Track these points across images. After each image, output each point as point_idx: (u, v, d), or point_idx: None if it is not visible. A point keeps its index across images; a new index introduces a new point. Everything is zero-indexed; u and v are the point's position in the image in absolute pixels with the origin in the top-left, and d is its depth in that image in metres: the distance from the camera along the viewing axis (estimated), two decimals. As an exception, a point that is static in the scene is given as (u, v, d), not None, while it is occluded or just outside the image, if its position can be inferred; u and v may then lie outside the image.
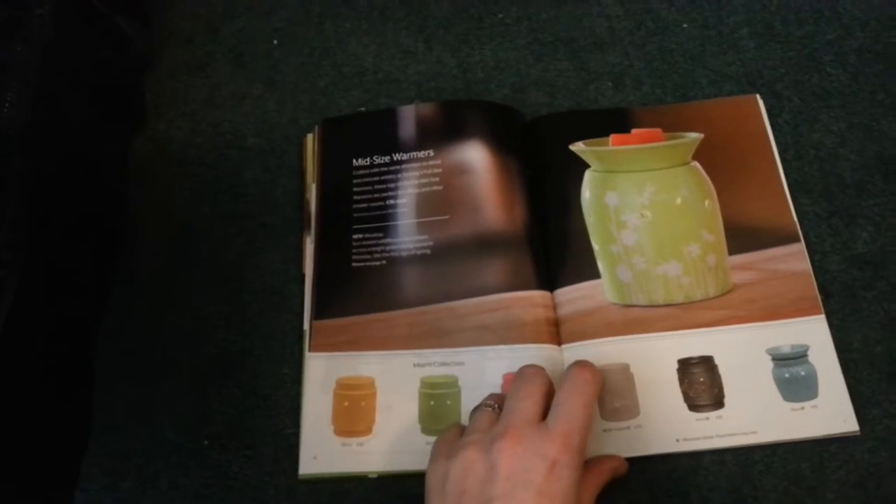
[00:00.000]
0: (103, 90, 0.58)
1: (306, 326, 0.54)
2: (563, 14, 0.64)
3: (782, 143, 0.57)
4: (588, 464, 0.45)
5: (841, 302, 0.52)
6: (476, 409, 0.47)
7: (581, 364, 0.46)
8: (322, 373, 0.52)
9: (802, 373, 0.49)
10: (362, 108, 0.61)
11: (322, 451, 0.50)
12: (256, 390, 0.53)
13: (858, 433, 0.48)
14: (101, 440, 0.52)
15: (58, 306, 0.50)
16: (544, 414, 0.43)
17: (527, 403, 0.43)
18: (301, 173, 0.59)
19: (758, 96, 0.58)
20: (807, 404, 0.48)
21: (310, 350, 0.53)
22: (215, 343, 0.54)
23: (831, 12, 0.61)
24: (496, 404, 0.46)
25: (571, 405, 0.43)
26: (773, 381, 0.49)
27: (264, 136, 0.61)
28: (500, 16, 0.64)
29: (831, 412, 0.48)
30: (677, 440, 0.48)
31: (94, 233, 0.56)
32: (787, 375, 0.49)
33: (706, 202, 0.53)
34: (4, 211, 0.44)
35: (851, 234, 0.54)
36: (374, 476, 0.49)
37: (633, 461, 0.48)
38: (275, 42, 0.65)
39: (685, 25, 0.62)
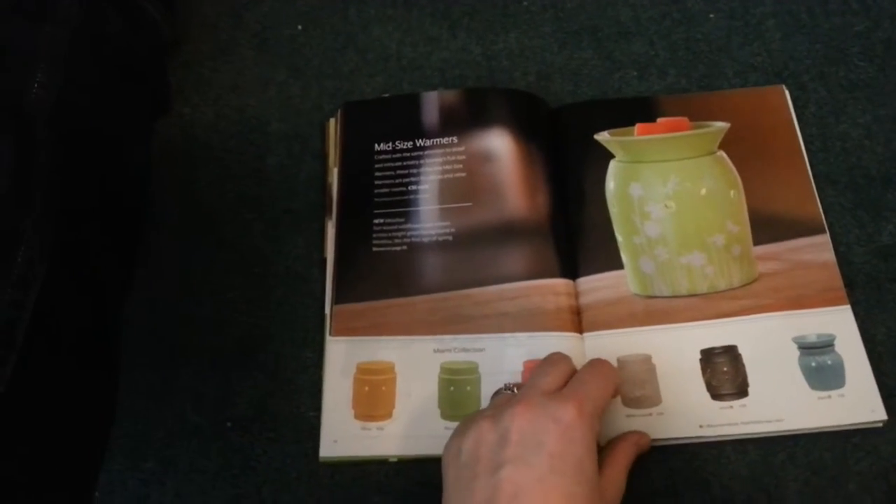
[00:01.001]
0: (129, 74, 0.59)
1: (327, 311, 0.54)
2: (588, 2, 0.64)
3: (808, 135, 0.56)
4: (610, 443, 0.46)
5: (866, 293, 0.51)
6: (496, 392, 0.47)
7: (602, 359, 0.47)
8: (342, 357, 0.52)
9: (829, 362, 0.49)
10: (386, 94, 0.62)
11: (342, 435, 0.50)
12: (279, 373, 0.53)
13: (885, 422, 0.47)
14: (124, 422, 0.52)
15: (83, 289, 0.50)
16: None
17: (545, 379, 0.44)
18: (324, 157, 0.59)
19: (784, 87, 0.58)
20: (834, 393, 0.48)
21: (330, 334, 0.53)
22: (238, 326, 0.55)
23: (859, 4, 0.61)
24: (515, 388, 0.46)
25: (588, 379, 0.44)
26: (800, 369, 0.49)
27: (288, 121, 0.61)
28: (525, 3, 0.64)
29: (859, 401, 0.48)
30: (700, 426, 0.48)
31: (119, 216, 0.56)
32: (813, 364, 0.49)
33: (731, 192, 0.53)
34: (34, 194, 0.44)
35: (877, 226, 0.53)
36: (395, 460, 0.50)
37: (653, 449, 0.48)
38: (299, 27, 0.65)
39: (711, 16, 0.62)
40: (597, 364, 0.46)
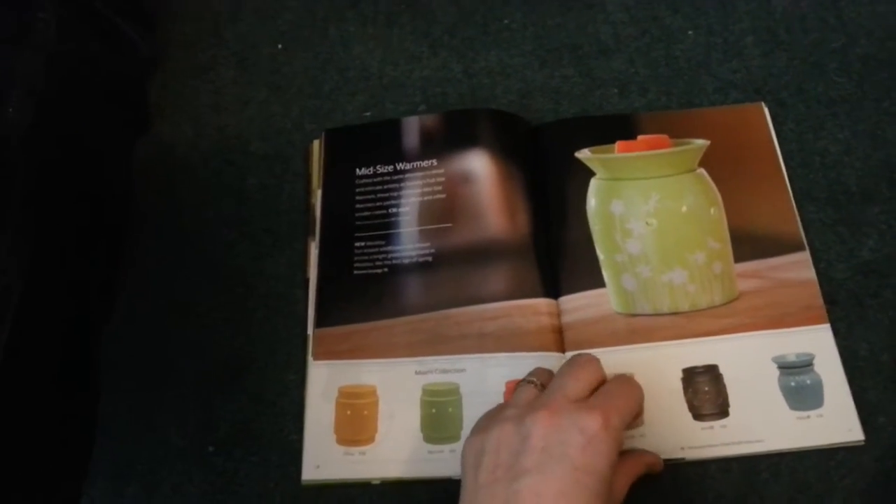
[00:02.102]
0: (107, 94, 0.58)
1: (310, 332, 0.54)
2: (568, 20, 0.64)
3: (787, 151, 0.57)
4: (624, 454, 0.44)
5: (847, 310, 0.51)
6: (520, 382, 0.46)
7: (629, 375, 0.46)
8: (324, 381, 0.52)
9: (808, 381, 0.49)
10: (367, 113, 0.61)
11: (325, 461, 0.50)
12: (262, 396, 0.53)
13: (863, 443, 0.47)
14: (106, 446, 0.52)
15: (63, 311, 0.50)
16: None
17: (572, 382, 0.43)
18: (307, 179, 0.59)
19: (763, 105, 0.58)
20: (812, 413, 0.48)
21: (312, 358, 0.53)
22: (220, 348, 0.54)
23: (836, 20, 0.61)
24: (540, 381, 0.45)
25: (616, 391, 0.43)
26: (779, 389, 0.49)
27: (269, 140, 0.61)
28: (506, 21, 0.64)
29: (837, 421, 0.48)
30: (682, 448, 0.48)
31: (99, 237, 0.56)
32: (792, 384, 0.49)
33: (712, 209, 0.53)
34: (8, 217, 0.44)
35: (857, 242, 0.54)
36: (378, 482, 0.49)
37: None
38: (279, 46, 0.65)
39: (690, 33, 0.62)
40: (625, 378, 0.45)
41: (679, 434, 0.48)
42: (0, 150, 0.45)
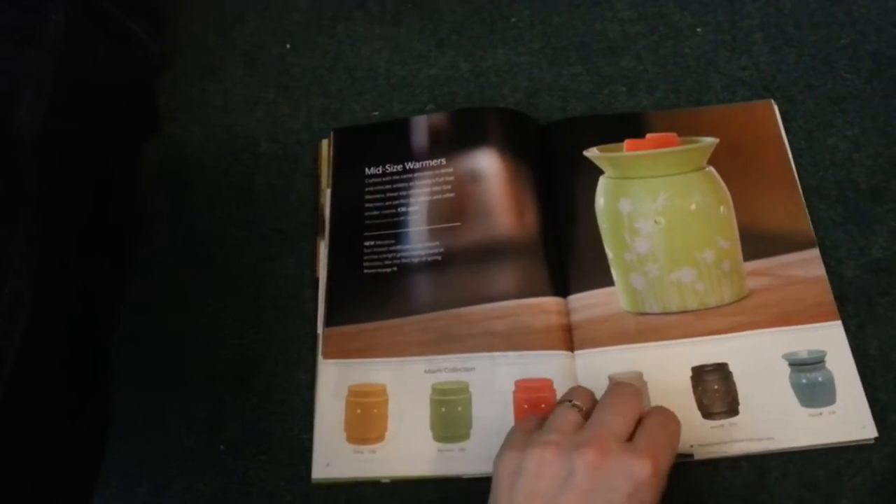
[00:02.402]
0: (116, 95, 0.59)
1: (319, 331, 0.54)
2: (576, 18, 0.64)
3: (797, 149, 0.56)
4: None
5: (857, 308, 0.51)
6: (559, 403, 0.45)
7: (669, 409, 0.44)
8: (334, 380, 0.52)
9: (820, 378, 0.49)
10: (375, 113, 0.62)
11: (335, 459, 0.50)
12: (272, 395, 0.53)
13: (876, 439, 0.47)
14: (117, 445, 0.52)
15: (73, 312, 0.50)
16: (631, 437, 0.42)
17: (619, 419, 0.42)
18: (315, 178, 0.59)
19: (773, 102, 0.58)
20: (825, 410, 0.48)
21: (322, 357, 0.53)
22: (230, 348, 0.54)
23: (846, 17, 0.61)
24: (583, 406, 0.44)
25: (660, 430, 0.42)
26: (791, 386, 0.49)
27: (277, 140, 0.61)
28: (513, 20, 0.64)
29: (850, 418, 0.48)
30: (691, 446, 0.48)
31: (108, 238, 0.56)
32: (804, 381, 0.49)
33: (721, 208, 0.53)
34: (20, 220, 0.44)
35: (867, 240, 0.54)
36: (388, 481, 0.50)
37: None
38: (287, 46, 0.65)
39: (699, 30, 0.62)
40: (667, 414, 0.43)
41: (689, 432, 0.48)
42: (12, 152, 0.45)
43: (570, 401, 0.44)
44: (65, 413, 0.46)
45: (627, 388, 0.45)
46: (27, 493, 0.43)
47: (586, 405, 0.44)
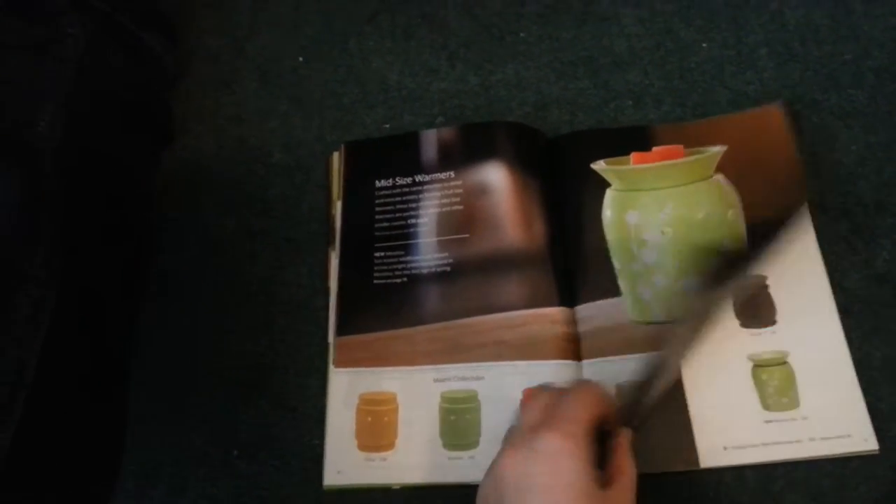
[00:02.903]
0: (133, 107, 0.60)
1: (331, 340, 0.55)
2: (583, 33, 0.65)
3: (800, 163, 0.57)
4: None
5: (860, 320, 0.52)
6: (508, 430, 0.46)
7: (584, 380, 0.46)
8: (345, 388, 0.53)
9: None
10: (386, 125, 0.63)
11: (346, 466, 0.51)
12: (284, 402, 0.54)
13: (878, 452, 0.48)
14: (133, 450, 0.53)
15: (91, 322, 0.51)
16: None
17: (528, 415, 0.43)
18: (327, 189, 0.60)
19: (780, 104, 0.58)
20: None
21: (333, 366, 0.54)
22: (243, 355, 0.55)
23: (850, 32, 0.62)
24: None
25: (567, 401, 0.42)
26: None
27: (290, 152, 0.62)
28: (522, 35, 0.65)
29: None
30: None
31: (124, 247, 0.57)
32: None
33: (729, 212, 0.54)
34: (42, 230, 0.45)
35: (871, 253, 0.54)
36: (398, 487, 0.50)
37: (652, 477, 0.48)
38: (300, 59, 0.66)
39: (704, 45, 0.63)
40: (576, 385, 0.45)
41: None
42: (33, 162, 0.46)
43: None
44: (84, 418, 0.47)
45: (534, 389, 0.47)
46: (49, 498, 0.44)
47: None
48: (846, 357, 0.50)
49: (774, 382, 0.50)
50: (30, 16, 0.52)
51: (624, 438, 0.44)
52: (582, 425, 0.41)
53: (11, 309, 0.42)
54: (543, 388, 0.46)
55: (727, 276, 0.49)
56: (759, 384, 0.50)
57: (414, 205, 0.58)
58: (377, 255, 0.57)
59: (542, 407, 0.43)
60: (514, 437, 0.42)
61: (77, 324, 0.48)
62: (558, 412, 0.42)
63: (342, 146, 0.61)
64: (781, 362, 0.50)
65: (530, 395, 0.47)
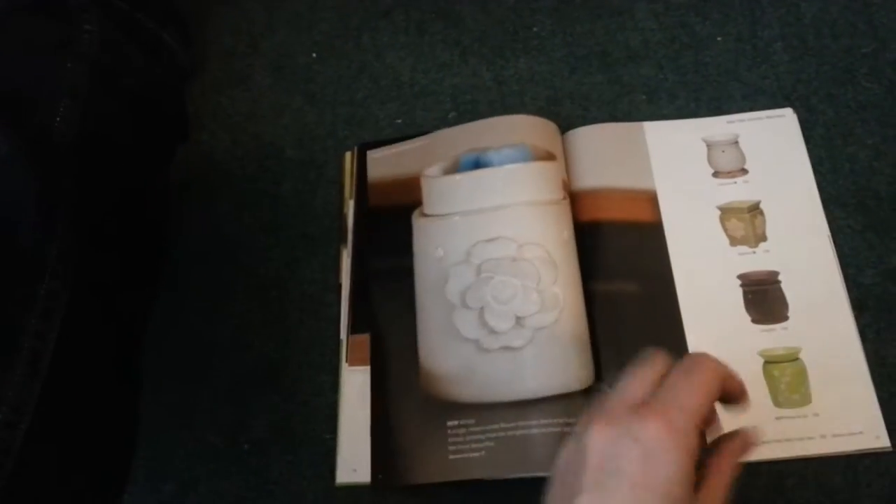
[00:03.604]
0: (148, 103, 0.60)
1: (343, 337, 0.55)
2: (597, 27, 0.65)
3: (816, 157, 0.57)
4: (713, 452, 0.38)
5: (875, 316, 0.52)
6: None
7: (700, 353, 0.39)
8: (358, 387, 0.53)
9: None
10: (399, 121, 0.63)
11: (361, 465, 0.51)
12: (296, 397, 0.54)
13: (890, 449, 0.48)
14: (144, 444, 0.53)
15: (105, 316, 0.52)
16: None
17: (633, 385, 0.38)
18: (340, 187, 0.60)
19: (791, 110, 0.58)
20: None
21: (347, 364, 0.54)
22: (256, 350, 0.56)
23: (866, 26, 0.61)
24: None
25: (679, 384, 0.37)
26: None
27: (304, 147, 0.63)
28: (535, 29, 0.65)
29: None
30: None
31: (139, 243, 0.58)
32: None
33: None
34: (59, 224, 0.46)
35: (886, 248, 0.54)
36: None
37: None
38: (314, 55, 0.67)
39: (719, 39, 0.63)
40: (691, 363, 0.38)
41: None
42: (50, 157, 0.47)
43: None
44: (97, 410, 0.48)
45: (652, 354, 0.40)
46: (63, 493, 0.44)
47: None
48: (859, 353, 0.50)
49: (786, 379, 0.50)
50: (49, 13, 0.53)
51: (728, 469, 0.38)
52: (694, 417, 0.36)
53: (30, 301, 0.43)
54: (644, 359, 0.40)
55: None
56: (771, 380, 0.50)
57: None
58: None
59: (646, 379, 0.38)
60: (613, 410, 0.36)
61: (91, 317, 0.48)
62: (667, 396, 0.36)
63: (355, 148, 0.61)
64: (793, 358, 0.50)
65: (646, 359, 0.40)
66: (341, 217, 0.59)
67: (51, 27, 0.53)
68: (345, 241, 0.58)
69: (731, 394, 0.39)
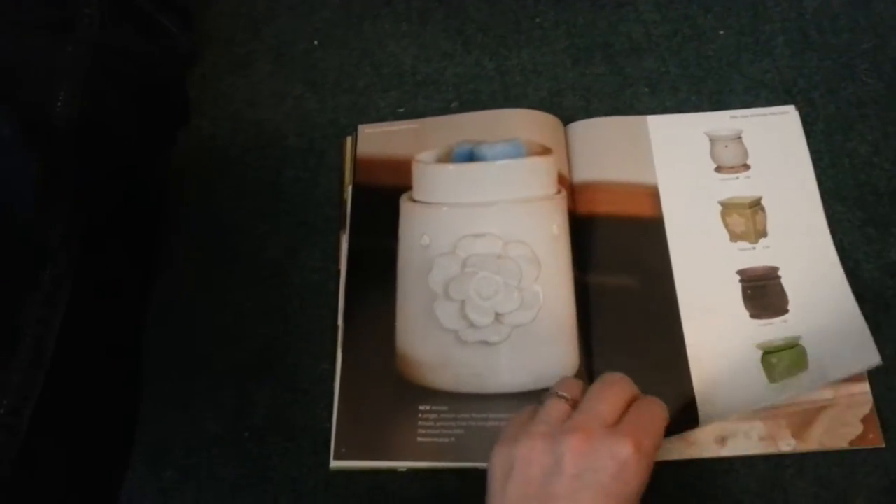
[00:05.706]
0: (148, 88, 0.60)
1: (340, 322, 0.55)
2: (600, 19, 0.65)
3: (817, 151, 0.57)
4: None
5: (873, 310, 0.52)
6: (549, 394, 0.45)
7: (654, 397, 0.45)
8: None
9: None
10: (401, 109, 0.63)
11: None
12: (295, 384, 0.54)
13: (888, 440, 0.48)
14: (144, 431, 0.53)
15: (107, 302, 0.52)
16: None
17: (603, 406, 0.43)
18: (341, 173, 0.60)
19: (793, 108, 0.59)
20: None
21: (342, 350, 0.54)
22: (256, 338, 0.56)
23: (867, 21, 0.62)
24: (571, 397, 0.44)
25: (645, 413, 0.43)
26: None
27: (304, 135, 0.62)
28: (538, 20, 0.65)
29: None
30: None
31: (138, 228, 0.58)
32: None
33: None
34: (58, 209, 0.46)
35: (885, 243, 0.54)
36: (404, 470, 0.50)
37: (665, 464, 0.48)
38: (315, 43, 0.66)
39: (722, 32, 0.63)
40: (653, 399, 0.44)
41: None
42: (50, 142, 0.47)
43: (558, 392, 0.45)
44: (98, 399, 0.48)
45: (614, 376, 0.45)
46: (65, 479, 0.44)
47: (574, 396, 0.44)
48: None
49: (785, 363, 0.50)
50: None
51: None
52: (657, 444, 0.42)
53: (33, 288, 0.43)
54: (614, 380, 0.45)
55: None
56: (769, 367, 0.50)
57: None
58: None
59: (619, 401, 0.43)
60: (587, 423, 0.41)
61: (92, 304, 0.48)
62: (640, 423, 0.42)
63: (355, 132, 0.61)
64: (793, 346, 0.50)
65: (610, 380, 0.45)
66: (341, 203, 0.59)
67: (50, 10, 0.52)
68: (344, 227, 0.58)
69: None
